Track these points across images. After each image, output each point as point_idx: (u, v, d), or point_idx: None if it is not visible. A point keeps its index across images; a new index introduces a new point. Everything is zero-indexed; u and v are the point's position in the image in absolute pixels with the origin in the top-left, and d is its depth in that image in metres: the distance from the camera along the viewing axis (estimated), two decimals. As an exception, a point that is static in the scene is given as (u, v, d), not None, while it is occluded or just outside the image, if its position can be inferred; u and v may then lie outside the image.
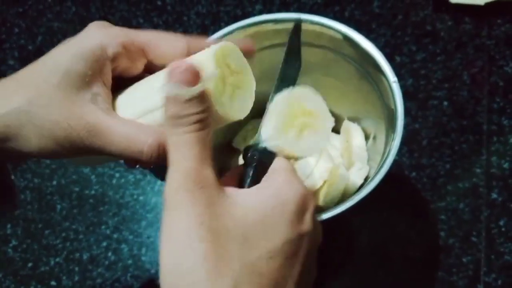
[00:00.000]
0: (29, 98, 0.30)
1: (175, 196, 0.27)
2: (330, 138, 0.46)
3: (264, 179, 0.30)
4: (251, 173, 0.31)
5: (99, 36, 0.31)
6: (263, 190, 0.29)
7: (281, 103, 0.32)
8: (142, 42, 0.32)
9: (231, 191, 0.28)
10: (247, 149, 0.32)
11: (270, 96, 0.33)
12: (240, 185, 0.31)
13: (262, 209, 0.27)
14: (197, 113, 0.28)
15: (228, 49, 0.31)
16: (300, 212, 0.28)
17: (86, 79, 0.30)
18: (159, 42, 0.32)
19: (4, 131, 0.30)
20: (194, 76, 0.28)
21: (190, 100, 0.28)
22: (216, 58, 0.29)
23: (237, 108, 0.31)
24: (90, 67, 0.30)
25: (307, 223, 0.28)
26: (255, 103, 0.32)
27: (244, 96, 0.31)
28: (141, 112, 0.31)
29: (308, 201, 0.29)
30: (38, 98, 0.30)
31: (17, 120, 0.30)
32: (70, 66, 0.30)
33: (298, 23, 0.35)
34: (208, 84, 0.29)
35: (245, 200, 0.28)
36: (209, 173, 0.28)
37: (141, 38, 0.32)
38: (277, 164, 0.31)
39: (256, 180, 0.30)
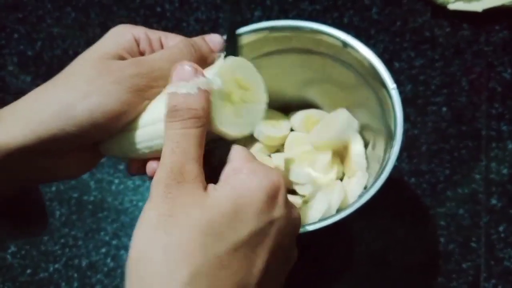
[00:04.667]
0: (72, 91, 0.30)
1: (154, 188, 0.28)
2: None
3: (227, 170, 0.30)
4: (214, 169, 0.31)
5: (124, 26, 0.34)
6: (231, 181, 0.29)
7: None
8: (159, 33, 0.34)
9: (210, 186, 0.29)
10: (208, 150, 0.31)
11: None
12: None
13: (231, 199, 0.28)
14: (193, 109, 0.29)
15: (237, 64, 0.31)
16: (270, 198, 0.28)
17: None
18: (173, 35, 0.35)
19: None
20: (196, 74, 0.29)
21: (188, 95, 0.29)
22: (223, 72, 0.30)
23: (242, 124, 0.31)
24: (123, 48, 0.32)
25: (278, 208, 0.29)
26: None
27: (252, 112, 0.31)
28: (158, 119, 0.31)
29: (277, 186, 0.29)
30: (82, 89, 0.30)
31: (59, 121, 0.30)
32: (109, 50, 0.32)
33: (234, 21, 0.36)
34: (211, 87, 0.29)
35: (215, 192, 0.28)
36: (192, 169, 0.28)
37: (158, 31, 0.34)
38: (237, 153, 0.31)
39: (219, 174, 0.30)
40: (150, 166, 0.33)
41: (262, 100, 0.32)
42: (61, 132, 0.30)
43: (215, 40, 0.35)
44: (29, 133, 0.29)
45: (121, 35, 0.33)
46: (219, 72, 0.30)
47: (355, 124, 0.47)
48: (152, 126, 0.31)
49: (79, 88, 0.30)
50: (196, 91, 0.29)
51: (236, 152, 0.31)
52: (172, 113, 0.29)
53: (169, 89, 0.30)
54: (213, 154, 0.31)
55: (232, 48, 0.35)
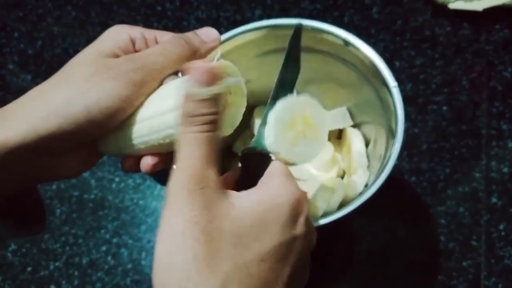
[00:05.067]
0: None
1: (176, 194, 0.28)
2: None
3: (260, 181, 0.31)
4: (248, 176, 0.32)
5: (120, 27, 0.34)
6: (260, 193, 0.29)
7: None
8: (155, 32, 0.34)
9: (231, 193, 0.29)
10: (244, 153, 0.32)
11: (268, 102, 0.33)
12: (237, 188, 0.31)
13: (258, 211, 0.28)
14: (210, 114, 0.29)
15: (309, 102, 0.32)
16: (295, 215, 0.29)
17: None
18: (169, 33, 0.35)
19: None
20: (214, 78, 0.29)
21: (205, 100, 0.29)
22: (294, 105, 0.32)
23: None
24: (119, 47, 0.32)
25: (300, 226, 0.29)
26: (256, 107, 0.32)
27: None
28: (155, 113, 0.31)
29: (302, 204, 0.30)
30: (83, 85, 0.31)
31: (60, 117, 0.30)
32: (104, 48, 0.32)
33: (298, 28, 0.36)
34: (227, 89, 0.30)
35: (242, 202, 0.28)
36: (211, 174, 0.28)
37: (154, 31, 0.34)
38: (274, 167, 0.31)
39: (252, 183, 0.31)
40: (145, 161, 0.33)
41: (321, 140, 0.33)
42: (59, 129, 0.30)
43: (207, 33, 0.34)
44: (28, 131, 0.29)
45: (117, 35, 0.33)
46: (290, 104, 0.32)
47: (344, 110, 0.49)
48: (149, 121, 0.32)
49: (76, 86, 0.30)
50: (213, 94, 0.29)
51: (274, 166, 0.31)
52: (191, 117, 0.29)
53: (187, 91, 0.29)
54: (249, 161, 0.32)
55: (291, 59, 0.35)
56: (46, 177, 0.34)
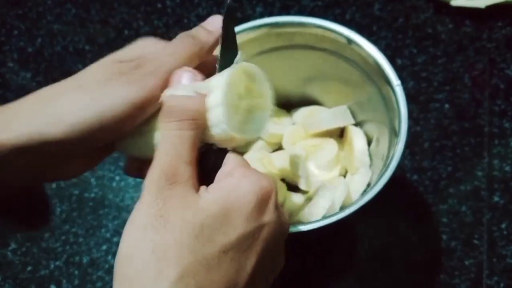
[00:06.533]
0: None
1: (147, 190, 0.28)
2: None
3: (220, 174, 0.30)
4: (209, 173, 0.31)
5: (148, 38, 0.34)
6: (222, 185, 0.29)
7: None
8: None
9: (201, 187, 0.29)
10: (202, 151, 0.31)
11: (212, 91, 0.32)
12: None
13: (221, 202, 0.28)
14: (189, 111, 0.29)
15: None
16: (261, 203, 0.29)
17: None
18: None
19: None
20: (194, 78, 0.30)
21: (185, 97, 0.29)
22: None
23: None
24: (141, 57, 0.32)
25: (269, 213, 0.29)
26: None
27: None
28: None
29: (268, 192, 0.29)
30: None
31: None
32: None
33: (230, 7, 0.33)
34: (208, 91, 0.30)
35: (206, 195, 0.28)
36: (184, 171, 0.28)
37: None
38: (231, 159, 0.31)
39: (212, 179, 0.30)
40: None
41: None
42: (66, 137, 0.29)
43: (212, 22, 0.34)
44: (32, 134, 0.29)
45: (144, 46, 0.33)
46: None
47: (344, 108, 0.48)
48: None
49: (88, 92, 0.30)
50: (193, 94, 0.30)
51: (230, 158, 0.31)
52: (168, 113, 0.29)
53: (167, 91, 0.30)
54: (208, 158, 0.31)
55: (229, 42, 0.33)
56: (49, 177, 0.34)
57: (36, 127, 0.29)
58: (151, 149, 0.31)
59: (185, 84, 0.30)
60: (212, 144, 0.31)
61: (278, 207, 0.30)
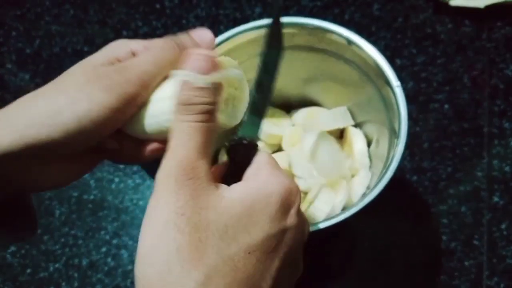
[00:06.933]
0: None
1: (163, 183, 0.27)
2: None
3: (248, 173, 0.30)
4: (235, 169, 0.30)
5: (122, 40, 0.33)
6: (248, 184, 0.28)
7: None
8: (156, 42, 0.33)
9: (220, 185, 0.28)
10: (232, 145, 0.31)
11: (255, 89, 0.32)
12: (225, 181, 0.30)
13: (246, 202, 0.27)
14: (207, 104, 0.28)
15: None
16: (285, 206, 0.28)
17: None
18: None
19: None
20: (213, 66, 0.29)
21: (203, 88, 0.28)
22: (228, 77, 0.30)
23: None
24: (117, 59, 0.31)
25: (291, 218, 0.28)
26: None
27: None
28: (151, 100, 0.31)
29: (293, 195, 0.29)
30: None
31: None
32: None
33: (278, 5, 0.33)
34: (227, 80, 0.29)
35: (230, 194, 0.28)
36: (202, 165, 0.28)
37: (155, 41, 0.33)
38: (260, 158, 0.30)
39: (240, 175, 0.30)
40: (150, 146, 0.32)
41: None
42: (48, 138, 0.29)
43: (201, 34, 0.33)
44: (14, 139, 0.28)
45: (118, 47, 0.32)
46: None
47: (344, 109, 0.48)
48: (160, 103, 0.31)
49: (67, 95, 0.29)
50: (212, 83, 0.28)
51: (259, 156, 0.30)
52: (186, 105, 0.28)
53: (185, 77, 0.29)
54: (237, 153, 0.31)
55: (274, 39, 0.32)
56: (38, 186, 0.32)
57: (17, 132, 0.28)
58: (146, 126, 0.31)
59: (200, 76, 0.29)
60: (242, 139, 0.31)
61: (300, 212, 0.30)
